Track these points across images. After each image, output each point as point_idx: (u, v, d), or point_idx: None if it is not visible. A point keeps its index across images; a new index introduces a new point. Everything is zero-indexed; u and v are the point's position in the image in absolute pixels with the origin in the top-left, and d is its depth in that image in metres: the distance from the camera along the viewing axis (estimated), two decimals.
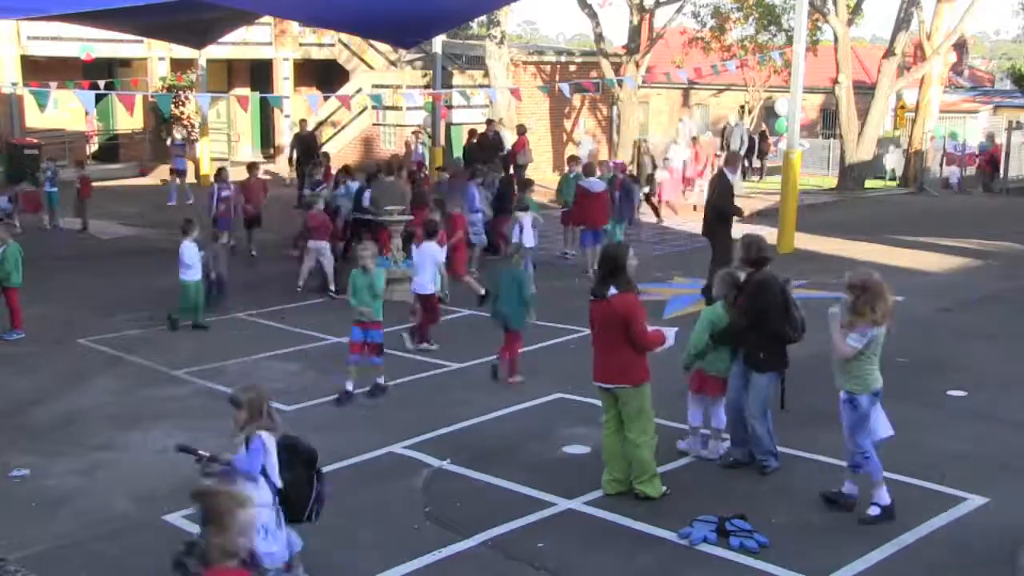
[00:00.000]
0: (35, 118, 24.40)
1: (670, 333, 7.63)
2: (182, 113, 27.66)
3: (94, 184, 20.73)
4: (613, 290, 7.25)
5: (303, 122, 24.48)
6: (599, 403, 9.38)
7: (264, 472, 5.57)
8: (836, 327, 7.00)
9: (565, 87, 19.66)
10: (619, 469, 7.44)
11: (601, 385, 7.48)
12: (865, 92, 28.30)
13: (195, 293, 12.47)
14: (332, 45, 30.96)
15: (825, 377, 9.17)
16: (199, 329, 12.35)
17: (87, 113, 23.87)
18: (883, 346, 7.05)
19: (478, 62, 28.90)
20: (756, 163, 30.18)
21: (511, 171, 21.48)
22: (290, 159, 23.87)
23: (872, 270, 7.15)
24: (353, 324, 9.70)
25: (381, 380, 9.91)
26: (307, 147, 22.69)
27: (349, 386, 9.74)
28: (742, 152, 27.40)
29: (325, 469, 8.00)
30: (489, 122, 24.67)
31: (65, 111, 24.27)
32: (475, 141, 23.11)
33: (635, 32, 28.83)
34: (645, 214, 20.47)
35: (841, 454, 8.17)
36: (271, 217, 21.43)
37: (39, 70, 25.29)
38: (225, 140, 30.62)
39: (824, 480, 7.70)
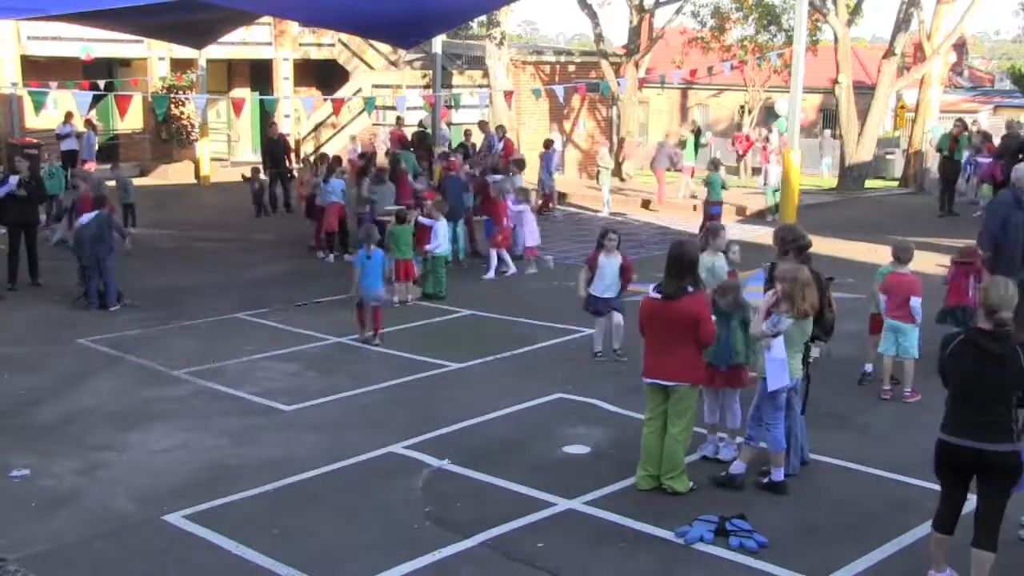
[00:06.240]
0: (35, 118, 24.39)
1: None
2: (182, 114, 27.66)
3: None
4: (690, 289, 7.39)
5: (273, 125, 24.04)
6: (599, 403, 9.44)
7: None
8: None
9: (559, 90, 19.61)
10: (654, 466, 7.52)
11: (658, 382, 7.49)
12: (865, 92, 28.28)
13: None
14: (332, 45, 30.91)
15: (828, 377, 9.19)
16: None
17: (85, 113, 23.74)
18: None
19: (478, 62, 28.88)
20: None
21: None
22: (264, 163, 23.73)
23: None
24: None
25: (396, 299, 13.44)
26: (275, 151, 22.60)
27: (396, 299, 13.52)
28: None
29: (325, 469, 8.09)
30: (482, 123, 24.73)
31: (65, 111, 24.21)
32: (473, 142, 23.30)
33: (635, 32, 28.82)
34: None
35: (845, 454, 8.20)
36: (270, 219, 21.50)
37: (39, 70, 25.25)
38: (225, 140, 30.59)
39: (825, 481, 7.71)
